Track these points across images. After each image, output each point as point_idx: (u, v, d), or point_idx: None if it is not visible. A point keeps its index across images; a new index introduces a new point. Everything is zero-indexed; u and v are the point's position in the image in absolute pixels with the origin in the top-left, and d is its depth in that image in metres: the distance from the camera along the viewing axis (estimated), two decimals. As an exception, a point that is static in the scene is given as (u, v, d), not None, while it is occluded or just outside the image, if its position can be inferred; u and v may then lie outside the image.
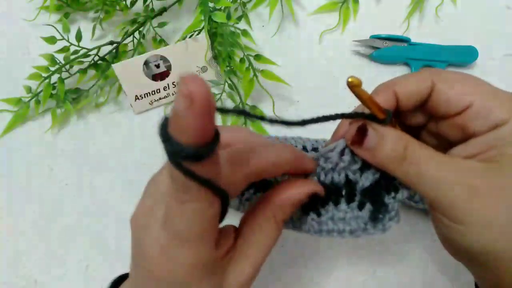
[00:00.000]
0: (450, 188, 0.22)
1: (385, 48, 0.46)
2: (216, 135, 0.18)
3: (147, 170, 0.45)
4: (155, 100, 0.46)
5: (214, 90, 0.47)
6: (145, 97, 0.46)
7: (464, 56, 0.45)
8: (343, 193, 0.26)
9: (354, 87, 0.22)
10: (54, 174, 0.45)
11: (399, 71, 0.47)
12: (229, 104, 0.46)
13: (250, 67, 0.43)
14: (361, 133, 0.24)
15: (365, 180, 0.26)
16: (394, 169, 0.23)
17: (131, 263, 0.24)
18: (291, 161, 0.25)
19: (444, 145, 0.26)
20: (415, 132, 0.28)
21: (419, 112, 0.27)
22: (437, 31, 0.48)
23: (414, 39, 0.46)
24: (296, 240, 0.40)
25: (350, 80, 0.22)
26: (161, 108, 0.47)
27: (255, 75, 0.42)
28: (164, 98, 0.46)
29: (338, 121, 0.27)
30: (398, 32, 0.48)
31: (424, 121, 0.27)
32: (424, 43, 0.46)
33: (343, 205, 0.27)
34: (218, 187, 0.19)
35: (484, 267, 0.23)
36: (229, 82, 0.44)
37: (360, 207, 0.26)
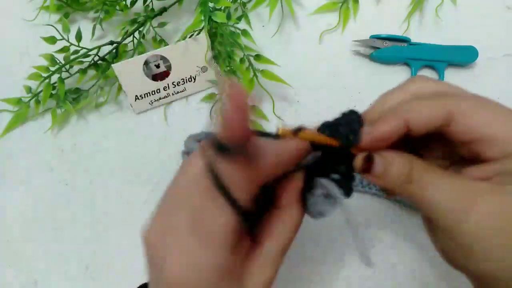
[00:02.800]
0: (453, 211, 0.21)
1: (385, 48, 0.46)
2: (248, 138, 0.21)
3: (147, 170, 0.45)
4: (155, 100, 0.46)
5: (214, 90, 0.47)
6: (145, 97, 0.46)
7: (464, 56, 0.45)
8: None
9: (297, 135, 0.24)
10: (54, 174, 0.45)
11: (399, 71, 0.47)
12: (229, 104, 0.46)
13: (250, 67, 0.43)
14: (368, 161, 0.24)
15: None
16: (401, 192, 0.23)
17: (149, 276, 0.24)
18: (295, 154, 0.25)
19: (453, 156, 0.25)
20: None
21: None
22: (437, 31, 0.48)
23: (414, 39, 0.46)
24: (296, 240, 0.40)
25: (280, 132, 0.23)
26: (161, 108, 0.47)
27: (255, 75, 0.42)
28: (164, 98, 0.46)
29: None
30: (398, 32, 0.48)
31: (434, 142, 0.26)
32: (424, 43, 0.46)
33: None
34: (232, 197, 0.21)
35: (485, 285, 0.23)
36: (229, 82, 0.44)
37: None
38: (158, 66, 0.44)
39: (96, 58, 0.47)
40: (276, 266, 0.24)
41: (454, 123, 0.23)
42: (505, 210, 0.21)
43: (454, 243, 0.22)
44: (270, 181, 0.24)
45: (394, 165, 0.23)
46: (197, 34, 0.44)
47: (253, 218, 0.23)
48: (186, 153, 0.32)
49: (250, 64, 0.43)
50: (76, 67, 0.47)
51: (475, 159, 0.23)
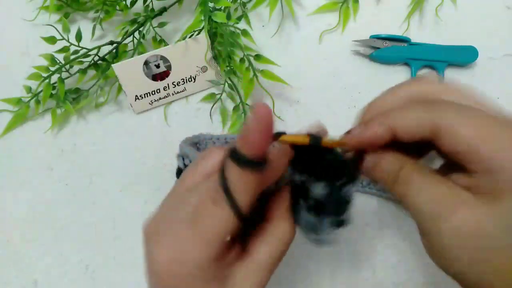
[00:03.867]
0: (437, 217, 0.22)
1: (385, 48, 0.46)
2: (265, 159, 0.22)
3: (146, 170, 0.45)
4: (155, 100, 0.46)
5: (214, 90, 0.47)
6: (145, 97, 0.46)
7: (464, 56, 0.45)
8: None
9: (276, 140, 0.24)
10: (54, 174, 0.45)
11: (399, 71, 0.47)
12: (229, 104, 0.46)
13: (250, 67, 0.43)
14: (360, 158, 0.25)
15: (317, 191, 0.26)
16: (390, 190, 0.24)
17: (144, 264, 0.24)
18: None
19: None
20: None
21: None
22: (437, 31, 0.48)
23: (414, 39, 0.46)
24: (294, 241, 0.40)
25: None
26: (161, 108, 0.47)
27: (255, 75, 0.42)
28: (164, 98, 0.46)
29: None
30: (398, 32, 0.48)
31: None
32: (424, 43, 0.46)
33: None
34: (235, 201, 0.22)
35: None
36: (229, 82, 0.44)
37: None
38: (158, 66, 0.44)
39: (96, 58, 0.47)
40: (261, 277, 0.24)
41: (440, 135, 0.23)
42: (479, 221, 0.21)
43: (431, 244, 0.23)
44: (263, 191, 0.25)
45: (383, 163, 0.24)
46: (197, 34, 0.44)
47: (247, 225, 0.24)
48: (181, 156, 0.32)
49: (250, 64, 0.43)
50: (76, 67, 0.47)
51: (463, 167, 0.23)
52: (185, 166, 0.31)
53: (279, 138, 0.25)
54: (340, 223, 0.26)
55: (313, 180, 0.26)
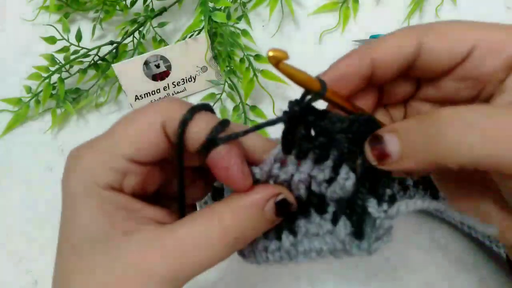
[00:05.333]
0: None
1: (385, 48, 0.46)
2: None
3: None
4: (155, 100, 0.46)
5: (214, 90, 0.47)
6: (145, 97, 0.46)
7: (464, 56, 0.45)
8: (313, 202, 0.21)
9: (278, 63, 0.19)
10: (54, 173, 0.45)
11: (399, 71, 0.47)
12: (229, 104, 0.46)
13: (250, 67, 0.43)
14: (378, 145, 0.19)
15: (337, 188, 0.20)
16: (446, 155, 0.17)
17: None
18: None
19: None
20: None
21: (403, 80, 0.22)
22: (437, 31, 0.48)
23: (414, 39, 0.47)
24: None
25: (271, 54, 0.19)
26: (161, 108, 0.47)
27: (255, 75, 0.42)
28: (164, 98, 0.47)
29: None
30: (398, 32, 0.48)
31: (412, 89, 0.23)
32: (424, 43, 0.46)
33: (314, 217, 0.21)
34: None
35: None
36: (229, 82, 0.44)
37: (334, 220, 0.20)
38: (158, 66, 0.44)
39: (96, 58, 0.47)
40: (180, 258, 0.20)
41: (424, 51, 0.19)
42: None
43: None
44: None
45: (414, 127, 0.18)
46: (197, 34, 0.44)
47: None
48: None
49: (250, 64, 0.43)
50: (76, 67, 0.47)
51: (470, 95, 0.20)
52: None
53: (279, 65, 0.21)
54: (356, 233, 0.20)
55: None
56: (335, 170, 0.20)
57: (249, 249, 0.22)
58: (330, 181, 0.20)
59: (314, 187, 0.21)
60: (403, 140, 0.18)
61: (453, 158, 0.16)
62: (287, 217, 0.21)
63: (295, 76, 0.21)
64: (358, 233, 0.19)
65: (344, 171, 0.20)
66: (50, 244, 0.42)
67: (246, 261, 0.22)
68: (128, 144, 0.21)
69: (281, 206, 0.20)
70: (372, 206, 0.20)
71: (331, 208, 0.21)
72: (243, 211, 0.20)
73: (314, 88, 0.21)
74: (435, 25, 0.20)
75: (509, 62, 0.19)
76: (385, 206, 0.20)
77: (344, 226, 0.20)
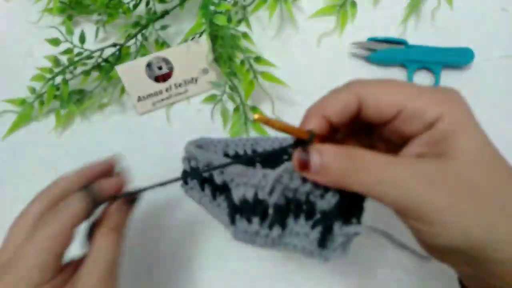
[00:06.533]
0: (409, 187, 0.21)
1: (382, 50, 0.47)
2: None
3: (149, 170, 0.46)
4: (158, 101, 0.47)
5: (215, 92, 0.47)
6: (148, 98, 0.46)
7: (460, 57, 0.46)
8: (304, 208, 0.25)
9: (264, 123, 0.23)
10: (58, 174, 0.46)
11: (396, 72, 0.47)
12: (230, 105, 0.47)
13: (250, 69, 0.43)
14: (305, 158, 0.23)
15: (325, 203, 0.24)
16: (350, 183, 0.22)
17: None
18: None
19: (394, 149, 0.25)
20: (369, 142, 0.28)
21: (357, 124, 0.26)
22: (434, 33, 0.48)
23: (411, 41, 0.47)
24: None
25: (256, 117, 0.23)
26: (163, 109, 0.48)
27: (255, 76, 0.43)
28: (166, 99, 0.47)
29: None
30: (395, 34, 0.48)
31: (365, 129, 0.27)
32: (420, 45, 0.47)
33: (301, 220, 0.25)
34: None
35: (473, 264, 0.22)
36: (230, 83, 0.45)
37: (313, 226, 0.25)
38: (160, 68, 0.45)
39: (100, 60, 0.48)
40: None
41: (364, 106, 0.24)
42: (455, 174, 0.21)
43: (421, 223, 0.22)
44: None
45: (335, 154, 0.23)
46: (199, 37, 0.45)
47: None
48: (187, 159, 0.32)
49: (250, 66, 0.43)
50: (79, 69, 0.48)
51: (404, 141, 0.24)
52: (191, 168, 0.31)
53: (275, 126, 0.23)
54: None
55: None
56: (326, 189, 0.25)
57: (243, 231, 0.26)
58: (323, 196, 0.25)
59: (311, 198, 0.25)
60: (324, 161, 0.23)
61: (353, 187, 0.22)
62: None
63: (283, 129, 0.24)
64: (321, 243, 0.25)
65: (331, 193, 0.25)
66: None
67: (237, 240, 0.26)
68: None
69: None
70: (337, 225, 0.24)
71: (316, 217, 0.25)
72: None
73: (302, 135, 0.24)
74: (370, 89, 0.24)
75: (426, 124, 0.23)
76: (345, 228, 0.24)
77: (316, 234, 0.25)
